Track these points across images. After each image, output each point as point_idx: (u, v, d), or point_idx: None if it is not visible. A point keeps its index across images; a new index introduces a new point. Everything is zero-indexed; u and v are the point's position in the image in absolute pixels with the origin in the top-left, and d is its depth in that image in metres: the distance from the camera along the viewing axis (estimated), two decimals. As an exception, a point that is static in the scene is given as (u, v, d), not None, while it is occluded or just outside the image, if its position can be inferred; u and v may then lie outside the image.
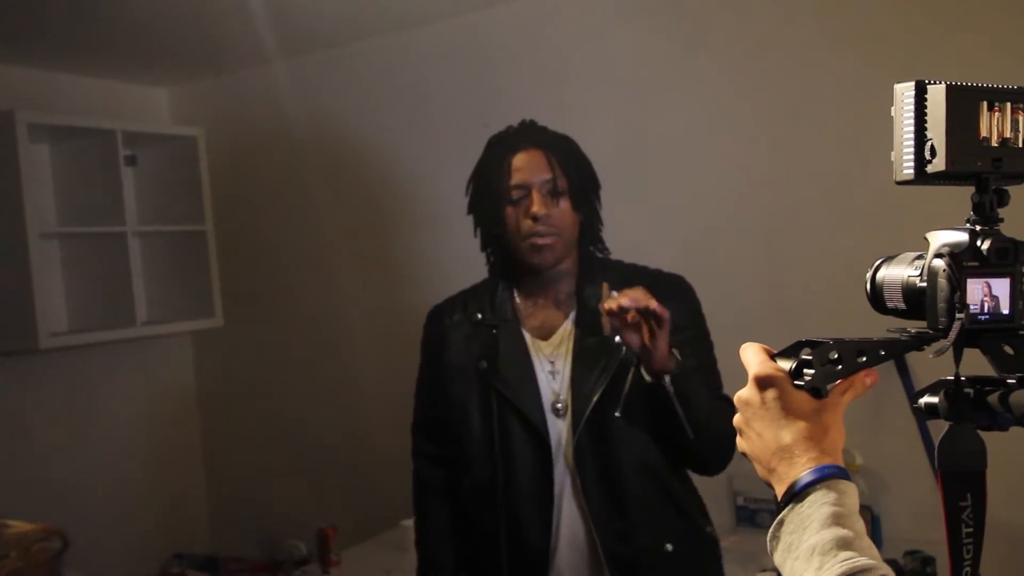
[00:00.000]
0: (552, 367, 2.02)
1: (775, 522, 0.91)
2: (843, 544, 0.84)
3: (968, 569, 0.90)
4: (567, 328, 2.03)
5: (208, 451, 3.95)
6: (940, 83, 0.89)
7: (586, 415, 1.94)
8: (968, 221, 0.93)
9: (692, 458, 1.98)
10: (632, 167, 2.96)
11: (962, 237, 0.92)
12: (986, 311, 0.90)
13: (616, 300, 1.76)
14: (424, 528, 2.16)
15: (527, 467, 1.98)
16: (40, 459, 3.35)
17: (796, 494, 0.90)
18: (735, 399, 0.99)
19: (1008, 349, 0.91)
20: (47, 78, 3.46)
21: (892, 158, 0.91)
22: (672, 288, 2.03)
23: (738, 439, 0.99)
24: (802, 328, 1.10)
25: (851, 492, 0.90)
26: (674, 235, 2.89)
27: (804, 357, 0.94)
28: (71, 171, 3.43)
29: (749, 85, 2.76)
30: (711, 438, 1.85)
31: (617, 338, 1.92)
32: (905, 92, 0.91)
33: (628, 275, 2.03)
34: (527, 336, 2.04)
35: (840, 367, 0.94)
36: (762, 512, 2.79)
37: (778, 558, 0.89)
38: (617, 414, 1.90)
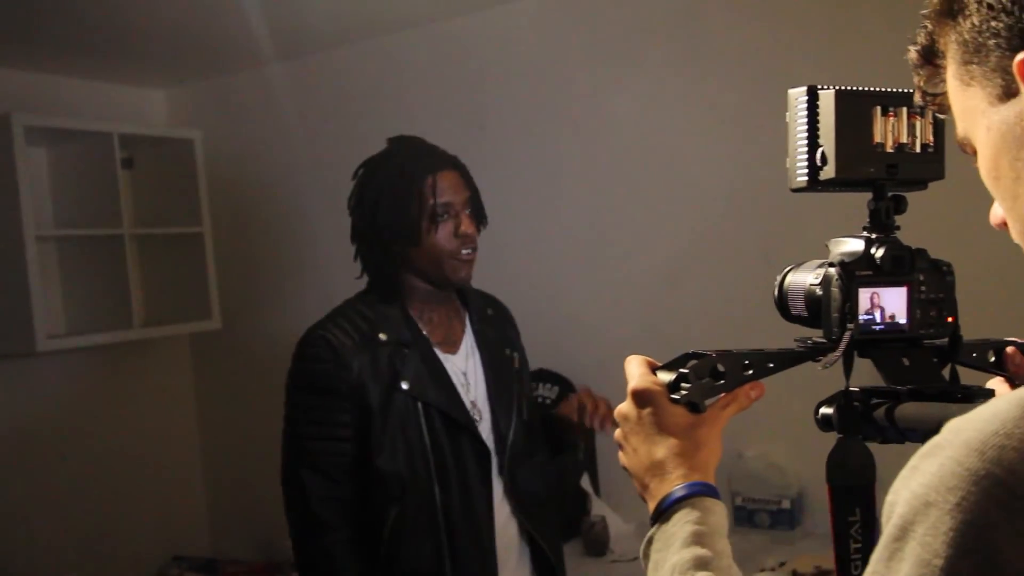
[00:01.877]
0: (464, 379, 2.07)
1: (645, 540, 0.90)
2: (700, 564, 0.83)
3: None
4: (469, 341, 2.12)
5: (206, 454, 3.93)
6: (831, 88, 0.87)
7: (513, 423, 2.08)
8: (864, 229, 0.91)
9: None
10: (633, 168, 2.99)
11: (858, 245, 0.89)
12: (881, 321, 0.88)
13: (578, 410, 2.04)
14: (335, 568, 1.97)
15: (470, 475, 2.00)
16: (38, 462, 3.33)
17: (663, 512, 0.89)
18: (615, 413, 0.97)
19: (905, 360, 0.88)
20: (43, 81, 3.44)
21: (787, 164, 0.90)
22: (503, 307, 2.27)
23: (619, 453, 0.97)
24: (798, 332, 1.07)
25: (716, 511, 0.88)
26: (670, 235, 2.93)
27: (682, 371, 0.91)
28: (68, 174, 3.42)
29: (748, 87, 2.79)
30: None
31: (507, 350, 2.17)
32: (798, 97, 0.89)
33: (479, 294, 2.22)
34: (437, 351, 2.06)
35: (723, 381, 0.91)
36: (760, 512, 2.80)
37: (649, 574, 0.88)
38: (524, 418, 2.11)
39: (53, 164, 3.44)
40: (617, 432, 0.97)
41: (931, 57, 0.71)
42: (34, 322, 3.07)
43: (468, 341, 2.10)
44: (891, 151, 0.88)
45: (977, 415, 0.55)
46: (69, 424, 3.44)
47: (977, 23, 0.65)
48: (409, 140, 2.16)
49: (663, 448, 0.91)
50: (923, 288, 0.88)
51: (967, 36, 0.66)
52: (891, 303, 0.88)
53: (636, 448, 0.94)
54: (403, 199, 2.01)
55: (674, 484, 0.90)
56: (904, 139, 0.88)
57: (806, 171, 0.88)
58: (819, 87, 0.88)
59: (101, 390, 3.56)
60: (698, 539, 0.85)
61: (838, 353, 0.85)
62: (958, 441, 0.54)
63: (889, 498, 0.57)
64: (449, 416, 1.98)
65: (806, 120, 0.88)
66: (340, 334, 2.01)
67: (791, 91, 0.89)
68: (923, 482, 0.54)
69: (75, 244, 3.43)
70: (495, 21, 3.18)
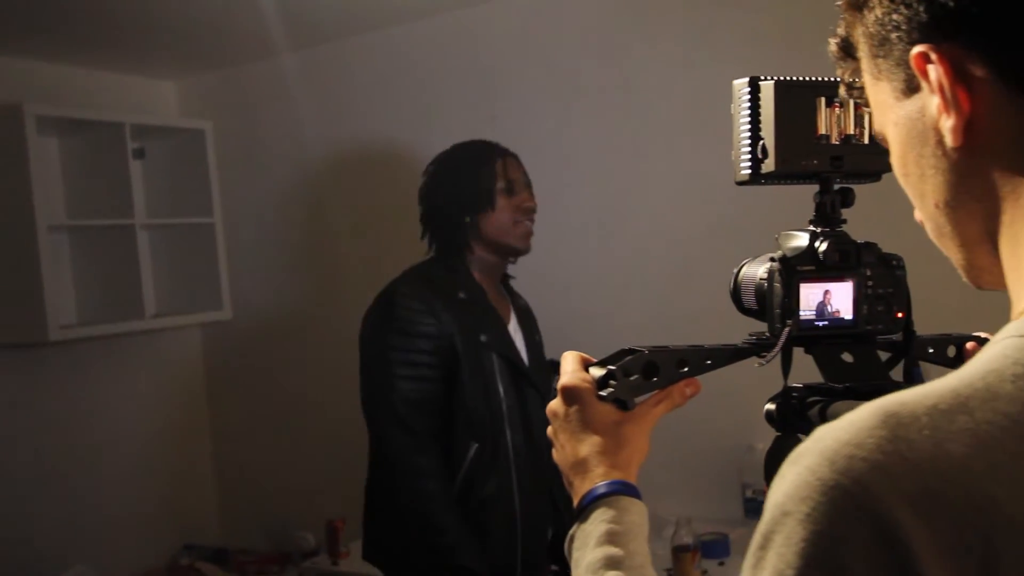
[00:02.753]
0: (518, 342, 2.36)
1: (567, 538, 0.90)
2: (611, 563, 0.83)
3: None
4: (515, 318, 2.41)
5: (217, 443, 3.95)
6: (771, 79, 0.85)
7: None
8: (810, 222, 0.89)
9: None
10: (645, 159, 2.96)
11: (804, 239, 0.87)
12: (825, 317, 0.85)
13: None
14: (425, 502, 2.15)
15: (533, 421, 2.26)
16: (49, 451, 3.36)
17: (582, 510, 0.89)
18: (546, 410, 0.97)
19: (847, 356, 0.86)
20: (55, 71, 3.46)
21: (732, 158, 0.87)
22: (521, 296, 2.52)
23: (552, 450, 0.97)
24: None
25: (634, 509, 0.87)
26: (682, 226, 2.89)
27: (610, 368, 0.90)
28: (80, 164, 3.43)
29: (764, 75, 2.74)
30: None
31: (536, 337, 2.47)
32: (741, 88, 0.86)
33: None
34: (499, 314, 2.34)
35: (656, 378, 0.89)
36: (771, 504, 2.78)
37: (573, 574, 0.88)
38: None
39: (65, 154, 3.45)
40: (549, 429, 0.97)
41: (849, 50, 0.68)
42: (46, 312, 3.08)
43: (514, 317, 2.39)
44: (837, 143, 0.85)
45: (839, 423, 0.53)
46: (80, 413, 3.46)
47: (880, 15, 0.62)
48: (473, 140, 2.47)
49: (587, 446, 0.91)
50: (871, 283, 0.84)
51: (872, 29, 0.64)
52: (836, 298, 0.85)
53: (563, 445, 0.94)
54: (481, 173, 2.31)
55: (595, 482, 0.89)
56: (851, 130, 0.85)
57: (749, 164, 0.86)
58: (761, 78, 0.85)
59: (112, 379, 3.58)
60: (611, 538, 0.84)
61: (775, 350, 0.83)
62: (815, 449, 0.52)
63: (765, 505, 0.56)
64: (518, 368, 2.27)
65: (748, 112, 0.85)
66: (424, 289, 2.25)
67: (735, 82, 0.87)
68: (783, 490, 0.53)
69: (87, 234, 3.45)
70: (506, 11, 3.16)
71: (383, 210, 3.48)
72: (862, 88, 0.68)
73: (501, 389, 2.23)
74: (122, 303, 3.39)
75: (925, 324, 0.90)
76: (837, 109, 0.85)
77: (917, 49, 0.59)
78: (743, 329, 1.01)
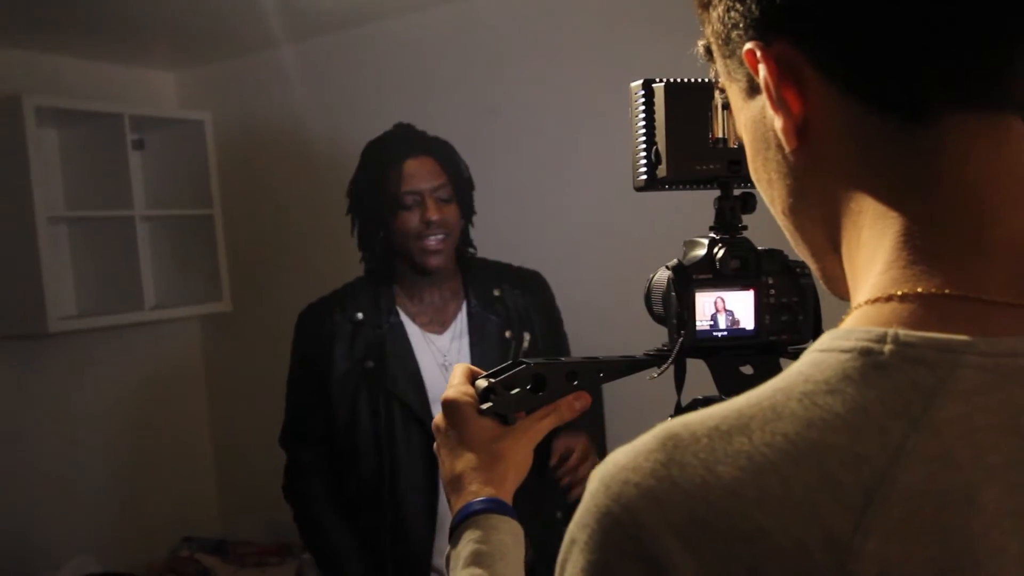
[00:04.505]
0: (444, 359, 2.13)
1: (444, 558, 0.87)
2: None
3: None
4: (462, 323, 2.16)
5: (216, 435, 3.96)
6: (663, 81, 0.81)
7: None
8: (710, 229, 0.85)
9: None
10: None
11: (703, 247, 0.84)
12: (723, 327, 0.81)
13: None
14: (328, 539, 2.15)
15: (415, 460, 2.06)
16: (49, 443, 3.37)
17: (453, 530, 0.86)
18: (432, 426, 0.95)
19: (747, 369, 0.82)
20: (54, 62, 3.46)
21: (631, 163, 0.83)
22: (534, 285, 2.24)
23: (439, 467, 0.95)
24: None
25: (502, 528, 0.84)
26: (686, 221, 2.83)
27: (491, 381, 0.87)
28: (79, 155, 3.43)
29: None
30: None
31: (507, 332, 2.13)
32: (636, 92, 0.83)
33: (498, 272, 2.23)
34: (415, 330, 2.14)
35: (542, 392, 0.86)
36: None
37: None
38: None
39: (64, 145, 3.46)
40: (434, 445, 0.94)
41: (711, 52, 0.65)
42: (46, 303, 3.08)
43: (460, 323, 2.15)
44: (734, 146, 0.81)
45: (625, 447, 0.50)
46: (80, 404, 3.47)
47: (721, 13, 0.59)
48: (398, 127, 2.25)
49: (462, 462, 0.88)
50: (772, 291, 0.80)
51: (717, 27, 0.60)
52: (736, 308, 0.81)
53: (443, 461, 0.91)
54: (375, 186, 2.13)
55: (467, 500, 0.86)
56: None
57: (644, 170, 0.82)
58: (655, 80, 0.81)
59: (112, 371, 3.59)
60: (477, 559, 0.81)
61: (668, 363, 0.79)
62: (598, 474, 0.50)
63: None
64: (403, 402, 2.07)
65: (644, 115, 0.82)
66: (327, 312, 2.19)
67: (631, 84, 0.83)
68: (575, 516, 0.50)
69: (86, 225, 3.45)
70: (510, 2, 3.11)
71: (381, 202, 3.46)
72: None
73: (383, 423, 2.08)
74: (121, 295, 3.39)
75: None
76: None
77: (747, 47, 0.56)
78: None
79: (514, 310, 2.20)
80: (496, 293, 2.19)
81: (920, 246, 0.53)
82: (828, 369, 0.50)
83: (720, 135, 0.81)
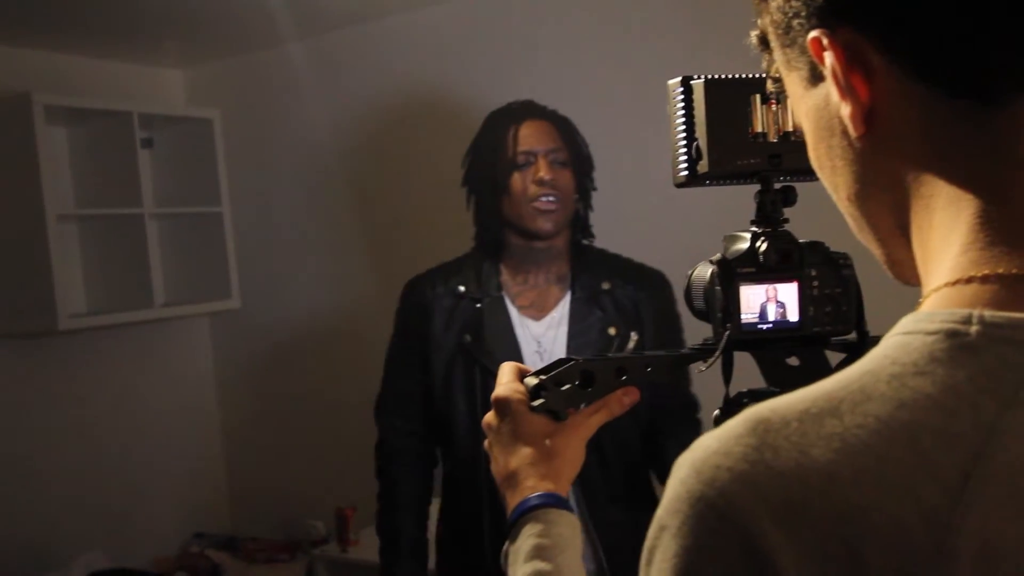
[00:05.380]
0: (539, 346, 2.03)
1: (502, 554, 0.88)
2: None
3: None
4: (563, 311, 2.04)
5: (226, 432, 3.97)
6: (702, 77, 0.82)
7: None
8: (752, 223, 0.86)
9: (660, 463, 2.00)
10: (663, 144, 2.92)
11: (746, 240, 0.85)
12: (769, 319, 0.83)
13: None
14: (391, 497, 2.14)
15: None
16: (60, 440, 3.38)
17: (512, 526, 0.87)
18: (482, 423, 0.95)
19: (794, 360, 0.83)
20: (63, 61, 3.47)
21: (671, 160, 0.85)
22: (651, 284, 2.08)
23: (491, 463, 0.96)
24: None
25: (562, 522, 0.86)
26: (663, 230, 2.84)
27: (542, 378, 0.88)
28: (88, 153, 3.44)
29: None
30: (677, 447, 1.82)
31: (611, 329, 1.99)
32: (674, 88, 0.84)
33: (616, 266, 2.09)
34: (514, 312, 2.05)
35: (591, 388, 0.88)
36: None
37: None
38: None
39: (73, 143, 3.47)
40: (485, 442, 0.95)
41: (766, 41, 0.65)
42: (56, 301, 3.10)
43: (560, 311, 2.06)
44: (774, 140, 0.82)
45: (713, 432, 0.51)
46: (90, 402, 3.48)
47: (782, 3, 0.60)
48: (503, 107, 2.18)
49: (517, 458, 0.89)
50: (815, 283, 0.81)
51: (777, 17, 0.61)
52: (780, 300, 0.82)
53: (496, 458, 0.92)
54: (489, 150, 2.07)
55: (524, 495, 0.87)
56: (790, 127, 0.82)
57: (685, 166, 0.83)
58: (693, 77, 0.83)
59: (122, 368, 3.60)
60: (539, 552, 0.82)
61: (715, 356, 0.80)
62: (688, 460, 0.51)
63: None
64: (491, 374, 1.98)
65: (683, 113, 0.83)
66: (430, 284, 2.12)
67: (669, 82, 0.84)
68: (662, 503, 0.51)
69: (96, 223, 3.46)
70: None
71: (392, 198, 3.47)
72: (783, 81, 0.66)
73: (479, 399, 2.01)
74: (131, 292, 3.40)
75: (883, 322, 0.87)
76: (774, 106, 0.82)
77: (812, 35, 0.57)
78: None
79: (624, 307, 2.04)
80: (605, 286, 2.04)
81: (998, 227, 0.54)
82: (915, 351, 0.51)
83: (760, 129, 0.82)
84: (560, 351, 2.00)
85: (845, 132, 0.58)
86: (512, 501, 0.89)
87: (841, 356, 0.84)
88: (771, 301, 0.82)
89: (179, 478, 3.75)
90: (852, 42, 0.55)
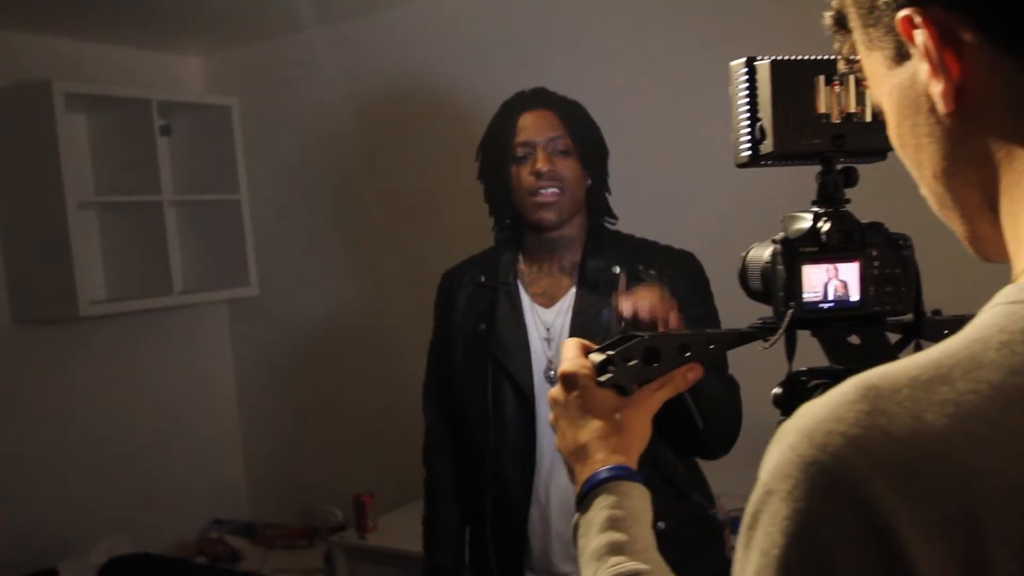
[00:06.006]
0: (548, 333, 2.03)
1: (571, 526, 0.90)
2: (614, 549, 0.83)
3: None
4: (570, 298, 2.04)
5: (245, 418, 3.99)
6: (767, 58, 0.83)
7: None
8: (813, 203, 0.87)
9: (695, 443, 1.90)
10: (672, 135, 2.92)
11: (807, 220, 0.86)
12: (830, 298, 0.84)
13: (630, 304, 1.60)
14: (430, 485, 2.21)
15: (515, 431, 2.01)
16: (80, 425, 3.40)
17: (583, 497, 0.88)
18: (548, 398, 0.96)
19: (855, 339, 0.84)
20: (83, 48, 3.48)
21: (731, 140, 0.86)
22: (682, 265, 2.02)
23: (555, 437, 0.97)
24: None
25: (634, 494, 0.87)
26: (687, 214, 2.84)
27: (609, 354, 0.90)
28: (107, 141, 3.45)
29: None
30: (716, 425, 1.76)
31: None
32: (737, 70, 0.85)
33: (637, 250, 2.04)
34: (526, 300, 2.06)
35: (656, 363, 0.89)
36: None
37: (579, 563, 0.87)
38: None
39: (93, 131, 3.48)
40: (550, 416, 0.96)
41: (842, 22, 0.66)
42: (76, 288, 3.12)
43: (570, 298, 2.04)
44: (837, 121, 0.83)
45: (820, 399, 0.52)
46: (110, 388, 3.50)
47: None
48: (534, 89, 2.15)
49: (586, 432, 0.90)
50: (876, 263, 0.82)
51: None
52: (842, 280, 0.83)
53: (564, 432, 0.93)
54: (495, 143, 2.06)
55: (595, 468, 0.89)
56: (852, 108, 0.83)
57: (748, 146, 0.84)
58: (757, 58, 0.84)
59: (141, 355, 3.62)
60: (613, 524, 0.84)
61: (779, 333, 0.81)
62: (797, 426, 0.52)
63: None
64: (507, 370, 2.01)
65: (746, 93, 0.84)
66: (458, 274, 2.17)
67: (731, 63, 0.85)
68: (767, 469, 0.52)
69: (115, 211, 3.47)
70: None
71: (410, 186, 3.47)
72: (859, 61, 0.66)
73: (491, 384, 2.03)
74: (150, 279, 3.42)
75: (938, 304, 0.88)
76: (837, 87, 0.83)
77: (902, 13, 0.57)
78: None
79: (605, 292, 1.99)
80: (616, 270, 1.98)
81: None
82: (1022, 320, 0.52)
83: (823, 110, 0.82)
84: (565, 337, 1.97)
85: (933, 109, 0.59)
86: (582, 474, 0.90)
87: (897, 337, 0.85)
88: (832, 280, 0.83)
89: (198, 464, 3.77)
90: (943, 20, 0.56)
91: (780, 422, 0.80)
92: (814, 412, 0.51)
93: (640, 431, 0.92)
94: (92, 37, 3.46)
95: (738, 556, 0.54)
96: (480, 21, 3.25)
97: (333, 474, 3.67)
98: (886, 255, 0.83)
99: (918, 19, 0.57)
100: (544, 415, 1.97)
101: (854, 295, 0.83)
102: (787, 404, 0.84)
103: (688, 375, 0.93)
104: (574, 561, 1.94)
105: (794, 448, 0.51)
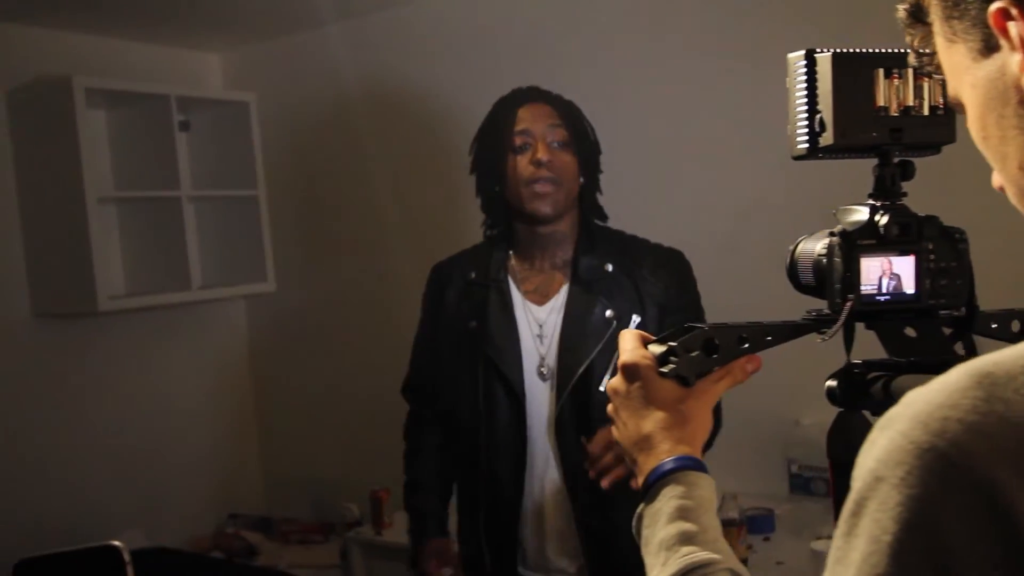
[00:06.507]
0: (540, 330, 2.04)
1: (635, 516, 0.89)
2: (686, 539, 0.83)
3: None
4: (563, 295, 2.05)
5: (261, 414, 4.00)
6: (828, 51, 0.83)
7: (571, 384, 1.96)
8: (869, 196, 0.87)
9: None
10: (689, 131, 2.92)
11: (864, 213, 0.86)
12: (886, 291, 0.84)
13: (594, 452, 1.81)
14: (411, 479, 2.23)
15: (505, 428, 2.01)
16: (98, 420, 3.42)
17: (649, 487, 0.88)
18: (607, 388, 0.97)
19: (910, 331, 0.85)
20: (103, 44, 3.49)
21: (788, 132, 0.86)
22: (669, 263, 2.06)
23: (612, 428, 0.97)
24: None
25: (702, 484, 0.87)
26: (677, 211, 2.85)
27: (671, 344, 0.90)
28: (127, 136, 3.47)
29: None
30: None
31: (608, 312, 1.98)
32: (796, 62, 0.85)
33: (628, 247, 2.07)
34: (517, 297, 2.07)
35: (716, 355, 0.89)
36: (817, 480, 2.76)
37: (643, 553, 0.87)
38: (602, 388, 1.88)
39: (112, 126, 3.49)
40: (609, 406, 0.96)
41: (919, 15, 0.67)
42: (96, 282, 3.13)
43: (562, 296, 2.04)
44: (896, 115, 0.83)
45: (930, 386, 0.53)
46: (128, 382, 3.52)
47: None
48: (519, 88, 2.17)
49: (650, 422, 0.91)
50: (932, 257, 0.83)
51: None
52: (898, 272, 0.84)
53: (625, 422, 0.93)
54: (489, 136, 2.08)
55: (660, 458, 0.89)
56: (910, 102, 0.83)
57: (806, 138, 0.84)
58: (817, 51, 0.84)
59: (159, 349, 3.63)
60: (683, 514, 0.84)
61: (837, 325, 0.82)
62: (908, 413, 0.52)
63: (855, 472, 0.55)
64: (498, 368, 2.02)
65: (805, 86, 0.84)
66: (447, 268, 2.17)
67: (790, 56, 0.85)
68: (875, 456, 0.52)
69: (134, 206, 3.48)
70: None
71: (428, 183, 3.48)
72: (933, 54, 0.66)
73: (481, 381, 2.03)
74: (169, 274, 3.43)
75: (987, 299, 0.88)
76: (896, 80, 0.83)
77: (996, 6, 0.58)
78: (792, 304, 1.00)
79: (625, 289, 2.00)
80: (608, 268, 2.01)
81: None
82: None
83: (882, 103, 0.83)
84: (556, 336, 2.01)
85: (1022, 101, 0.59)
86: (646, 464, 0.90)
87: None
88: (888, 273, 0.83)
89: (215, 459, 3.78)
90: None
91: (858, 421, 0.81)
92: (927, 399, 0.52)
93: (703, 422, 0.92)
94: (112, 33, 3.47)
95: (837, 544, 0.54)
96: (499, 17, 3.25)
97: (349, 470, 3.67)
98: (942, 248, 0.83)
99: (1014, 11, 0.57)
100: (535, 412, 2.00)
101: (910, 288, 0.84)
102: (844, 396, 0.84)
103: (747, 366, 0.93)
104: (570, 557, 1.99)
105: (906, 435, 0.51)
